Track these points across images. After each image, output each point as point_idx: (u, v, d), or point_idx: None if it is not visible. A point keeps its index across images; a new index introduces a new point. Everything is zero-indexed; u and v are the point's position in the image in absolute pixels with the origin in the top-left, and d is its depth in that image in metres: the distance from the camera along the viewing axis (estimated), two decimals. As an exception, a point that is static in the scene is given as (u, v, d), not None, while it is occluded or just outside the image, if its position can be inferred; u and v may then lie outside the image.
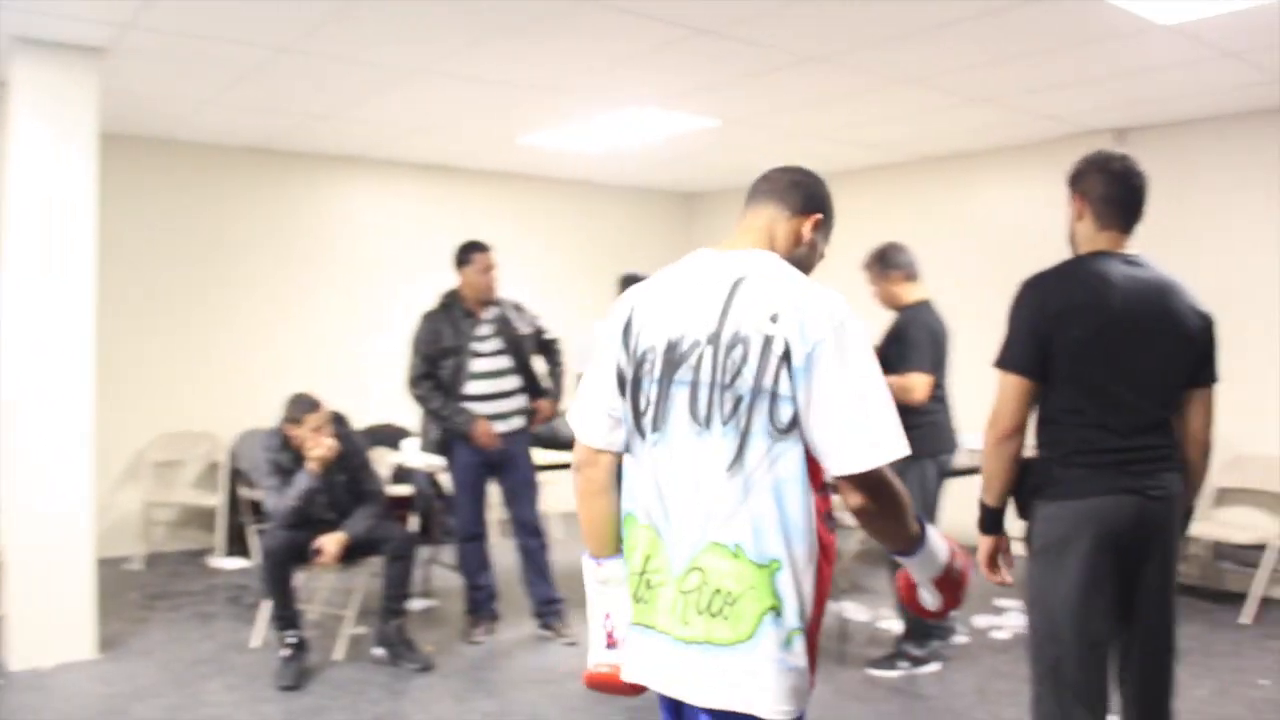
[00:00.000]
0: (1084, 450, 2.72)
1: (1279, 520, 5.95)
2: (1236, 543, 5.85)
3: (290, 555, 4.71)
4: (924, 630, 4.75)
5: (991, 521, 2.89)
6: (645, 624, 2.06)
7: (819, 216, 2.17)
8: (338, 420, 5.05)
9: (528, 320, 5.42)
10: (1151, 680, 2.88)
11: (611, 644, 2.17)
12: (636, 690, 2.13)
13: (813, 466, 1.94)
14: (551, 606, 5.40)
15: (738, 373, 1.93)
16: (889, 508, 1.96)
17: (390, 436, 7.36)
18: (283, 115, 6.45)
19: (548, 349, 5.49)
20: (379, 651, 4.92)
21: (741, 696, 1.93)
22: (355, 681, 4.67)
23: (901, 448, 1.90)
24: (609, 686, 2.18)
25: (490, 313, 5.28)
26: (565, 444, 5.91)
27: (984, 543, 2.91)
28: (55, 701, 4.38)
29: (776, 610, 1.93)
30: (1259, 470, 5.88)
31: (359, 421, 6.81)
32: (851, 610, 5.59)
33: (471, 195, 8.49)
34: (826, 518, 2.02)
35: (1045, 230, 6.98)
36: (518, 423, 5.32)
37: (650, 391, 2.05)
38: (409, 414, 5.80)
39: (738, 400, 1.93)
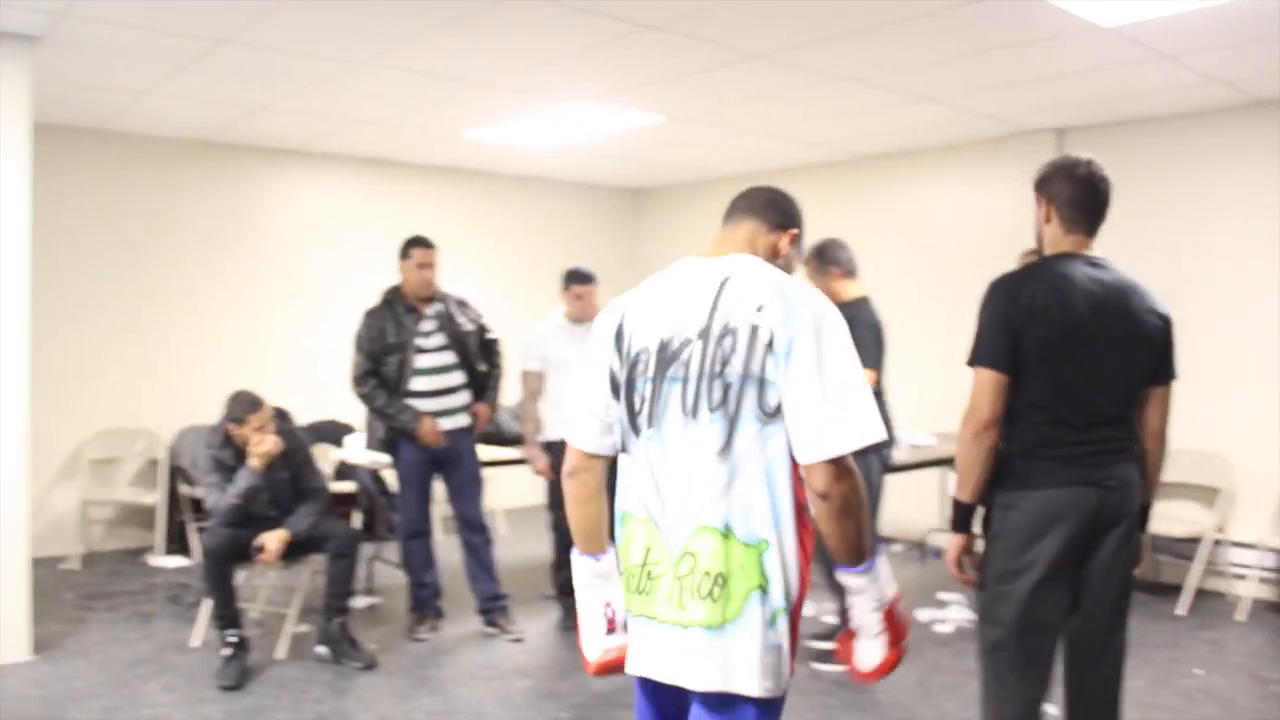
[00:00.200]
0: (1046, 444, 2.81)
1: (1213, 514, 6.08)
2: (1173, 536, 5.96)
3: (231, 553, 4.66)
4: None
5: (964, 519, 2.94)
6: (647, 615, 2.13)
7: (795, 231, 2.33)
8: (280, 416, 5.01)
9: (471, 317, 5.39)
10: (1100, 669, 2.97)
11: (612, 629, 2.30)
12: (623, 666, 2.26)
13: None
14: (496, 603, 5.38)
15: (727, 361, 2.03)
16: (852, 501, 2.01)
17: (334, 432, 7.30)
18: (224, 107, 6.35)
19: (488, 349, 5.46)
20: (322, 650, 4.87)
21: (731, 678, 2.02)
22: (298, 680, 4.62)
23: (876, 434, 1.99)
24: (616, 668, 2.30)
25: (434, 308, 5.25)
26: (510, 440, 5.90)
27: (955, 540, 2.95)
28: (-12, 704, 4.30)
29: (763, 589, 2.01)
30: (1194, 465, 5.99)
31: (302, 418, 6.77)
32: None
33: (417, 190, 8.42)
34: (804, 510, 2.08)
35: (985, 229, 7.13)
36: (463, 419, 5.30)
37: (644, 390, 2.14)
38: (353, 410, 5.75)
39: (726, 387, 2.03)
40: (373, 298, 5.31)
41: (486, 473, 5.54)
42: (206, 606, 4.89)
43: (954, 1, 4.36)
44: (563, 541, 5.44)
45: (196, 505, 6.72)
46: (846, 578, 2.11)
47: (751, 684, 2.01)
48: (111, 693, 4.43)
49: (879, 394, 4.84)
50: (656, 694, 2.23)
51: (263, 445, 4.69)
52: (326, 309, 7.75)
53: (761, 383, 2.01)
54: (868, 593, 2.12)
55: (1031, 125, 6.74)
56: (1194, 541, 6.02)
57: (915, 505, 7.16)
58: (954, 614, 5.59)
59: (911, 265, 7.58)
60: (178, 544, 6.98)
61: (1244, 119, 6.08)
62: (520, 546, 7.25)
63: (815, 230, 5.30)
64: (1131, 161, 6.47)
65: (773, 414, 2.01)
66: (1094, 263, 2.88)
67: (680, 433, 2.09)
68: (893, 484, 5.08)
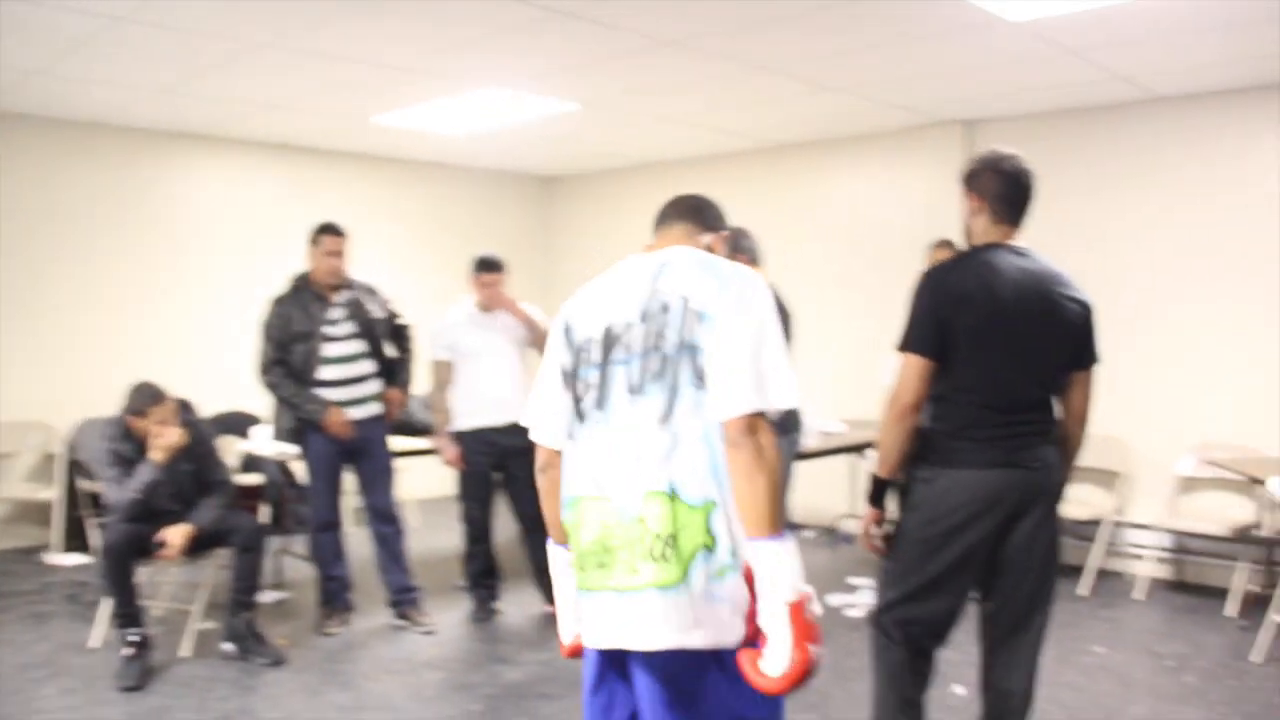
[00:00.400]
0: (971, 425, 2.95)
1: (1113, 496, 6.25)
2: (1075, 518, 6.11)
3: (131, 549, 4.53)
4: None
5: (879, 494, 3.11)
6: (606, 587, 2.17)
7: (725, 233, 2.53)
8: (183, 408, 4.88)
9: (381, 304, 5.31)
10: (1019, 648, 3.10)
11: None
12: None
13: None
14: (407, 595, 5.33)
15: (662, 334, 2.16)
16: (763, 456, 2.05)
17: (239, 424, 7.15)
18: (122, 88, 6.15)
19: (399, 335, 5.39)
20: (228, 646, 4.77)
21: (683, 634, 2.08)
22: (203, 679, 4.52)
23: (788, 400, 2.09)
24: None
25: (342, 296, 5.16)
26: (420, 430, 5.84)
27: (869, 512, 3.11)
28: (-126, 711, 4.13)
29: (709, 547, 2.08)
30: (1094, 449, 6.11)
31: (206, 409, 6.59)
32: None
33: (325, 176, 8.27)
34: None
35: (897, 218, 7.23)
36: (373, 408, 5.22)
37: (589, 376, 2.26)
38: (259, 401, 5.64)
39: (664, 359, 2.15)
40: (280, 286, 5.20)
41: (397, 463, 5.47)
42: (106, 605, 4.75)
43: (863, -8, 4.40)
44: (474, 533, 5.40)
45: (96, 500, 6.53)
46: (757, 550, 2.04)
47: (700, 638, 2.08)
48: (3, 698, 4.28)
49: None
50: (617, 667, 2.27)
51: (165, 438, 4.57)
52: (232, 297, 7.57)
53: (694, 350, 2.12)
54: (777, 574, 2.02)
55: (941, 117, 6.84)
56: (1095, 524, 6.19)
57: (826, 492, 7.25)
58: (864, 599, 5.66)
59: (823, 253, 7.65)
60: (76, 541, 6.77)
61: (1145, 114, 6.24)
62: (431, 537, 7.18)
63: (730, 219, 5.34)
64: (1038, 154, 6.51)
65: (705, 380, 2.11)
66: (1019, 253, 3.02)
67: (627, 409, 2.18)
68: (803, 471, 5.13)
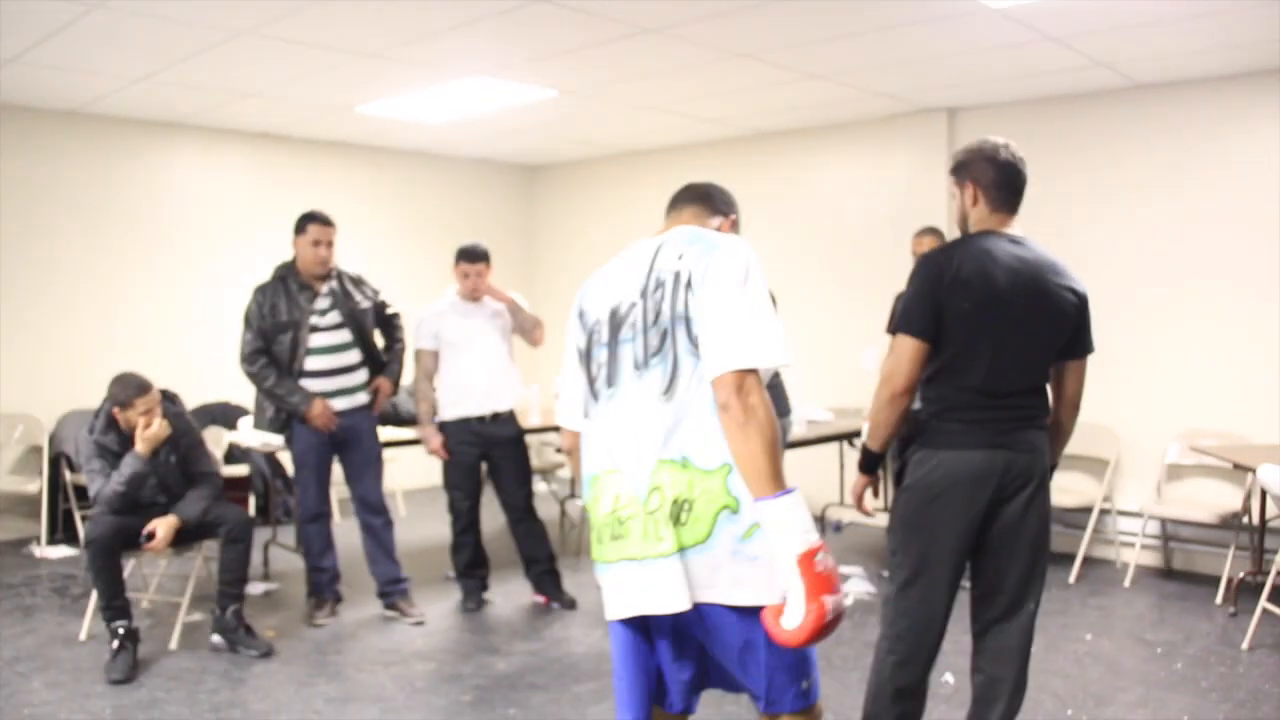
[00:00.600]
0: (961, 408, 3.00)
1: (1102, 484, 6.26)
2: (1064, 506, 6.12)
3: (118, 541, 4.50)
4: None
5: (870, 464, 3.19)
6: (625, 557, 2.24)
7: (735, 218, 2.59)
8: (168, 399, 4.85)
9: (368, 294, 5.28)
10: (1009, 631, 3.12)
11: None
12: None
13: None
14: (396, 586, 5.31)
15: (659, 309, 2.23)
16: (755, 417, 2.07)
17: (226, 415, 7.13)
18: (99, 77, 6.08)
19: (388, 324, 5.36)
20: (216, 639, 4.74)
21: (707, 591, 2.14)
22: (191, 671, 4.49)
23: (775, 358, 2.13)
24: None
25: (328, 286, 5.12)
26: (407, 420, 5.82)
27: (860, 479, 3.22)
28: None
29: (732, 509, 2.13)
30: (1083, 437, 6.14)
31: (193, 400, 6.57)
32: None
33: (307, 165, 8.22)
34: None
35: (880, 207, 7.22)
36: (361, 399, 5.19)
37: (600, 355, 2.33)
38: (246, 392, 5.61)
39: (663, 333, 2.22)
40: (264, 276, 5.16)
41: (385, 454, 5.45)
42: (93, 598, 4.72)
43: (851, -21, 4.38)
44: (461, 523, 5.39)
45: (82, 493, 6.49)
46: (761, 510, 2.06)
47: (728, 594, 2.14)
48: (-8, 690, 4.26)
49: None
50: (641, 634, 2.32)
51: (149, 430, 4.54)
52: (216, 287, 7.54)
53: (687, 320, 2.18)
54: (784, 529, 2.03)
55: (924, 104, 6.83)
56: (1084, 511, 6.20)
57: (814, 481, 7.24)
58: (854, 586, 5.67)
59: (807, 242, 7.64)
60: (63, 534, 6.75)
61: (1128, 101, 6.24)
62: (419, 528, 7.17)
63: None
64: (1022, 142, 6.49)
65: (700, 347, 2.17)
66: (1015, 240, 3.06)
67: (634, 384, 2.25)
68: (790, 460, 5.11)
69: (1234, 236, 5.90)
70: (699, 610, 2.18)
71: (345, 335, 5.13)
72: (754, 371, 2.11)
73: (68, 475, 6.75)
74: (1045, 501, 3.08)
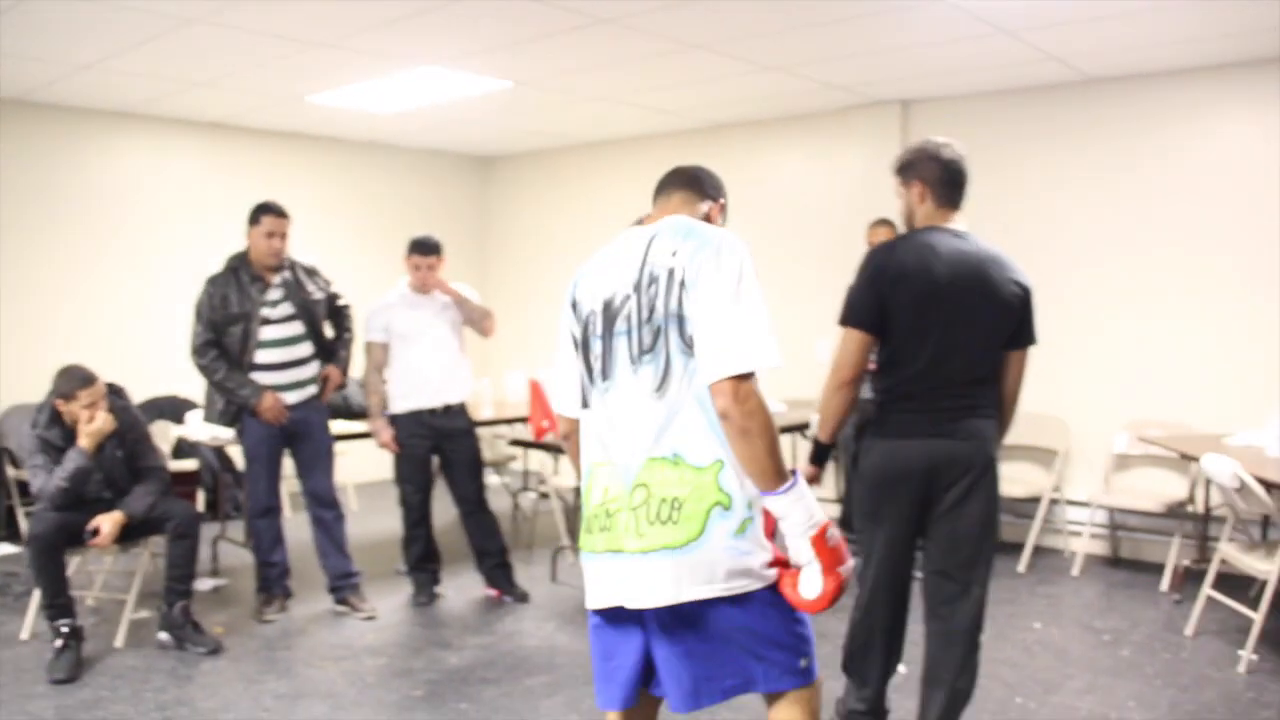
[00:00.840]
0: (905, 398, 3.11)
1: (1051, 474, 6.33)
2: (1014, 496, 6.19)
3: (61, 538, 4.42)
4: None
5: (820, 455, 3.35)
6: (612, 549, 2.26)
7: (723, 201, 2.57)
8: (114, 392, 4.77)
9: (320, 285, 5.22)
10: (955, 617, 3.22)
11: None
12: None
13: None
14: (347, 580, 5.26)
15: (653, 306, 2.22)
16: (754, 421, 2.12)
17: (174, 409, 7.03)
18: (43, 63, 5.96)
19: (338, 316, 5.30)
20: (163, 636, 4.67)
21: (702, 587, 2.16)
22: (138, 670, 4.42)
23: (767, 359, 2.14)
24: None
25: (280, 277, 5.06)
26: (358, 413, 5.77)
27: (808, 469, 3.32)
28: None
29: (724, 505, 2.17)
30: (1032, 427, 6.23)
31: (140, 394, 6.47)
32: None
33: (259, 156, 8.11)
34: None
35: (833, 199, 7.24)
36: (312, 391, 5.14)
37: (596, 347, 2.33)
38: (194, 385, 5.53)
39: (656, 330, 2.22)
40: (214, 267, 5.08)
41: (336, 447, 5.40)
42: (36, 596, 4.64)
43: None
44: (412, 516, 5.36)
45: (25, 489, 6.38)
46: (769, 503, 2.18)
47: (723, 586, 2.17)
48: (-69, 690, 4.17)
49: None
50: (620, 625, 2.33)
51: (93, 424, 4.46)
52: (164, 280, 7.43)
53: (680, 319, 2.19)
54: (792, 518, 2.18)
55: (878, 97, 6.85)
56: (1033, 501, 6.27)
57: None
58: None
59: (761, 234, 7.61)
60: (5, 530, 6.62)
61: (1079, 96, 6.30)
62: (371, 522, 7.11)
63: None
64: (975, 135, 6.62)
65: (692, 346, 2.17)
66: (958, 235, 3.18)
67: (629, 379, 2.26)
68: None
69: (1182, 229, 5.97)
70: (694, 606, 2.20)
71: (297, 328, 5.07)
72: (750, 375, 2.13)
73: (10, 471, 6.61)
74: (989, 488, 3.16)
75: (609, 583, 2.29)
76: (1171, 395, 6.01)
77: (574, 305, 2.41)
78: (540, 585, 5.65)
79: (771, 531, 2.26)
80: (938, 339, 3.07)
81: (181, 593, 4.66)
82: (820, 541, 2.19)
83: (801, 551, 2.20)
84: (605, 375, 2.31)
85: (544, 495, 7.41)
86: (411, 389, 5.22)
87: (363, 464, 7.72)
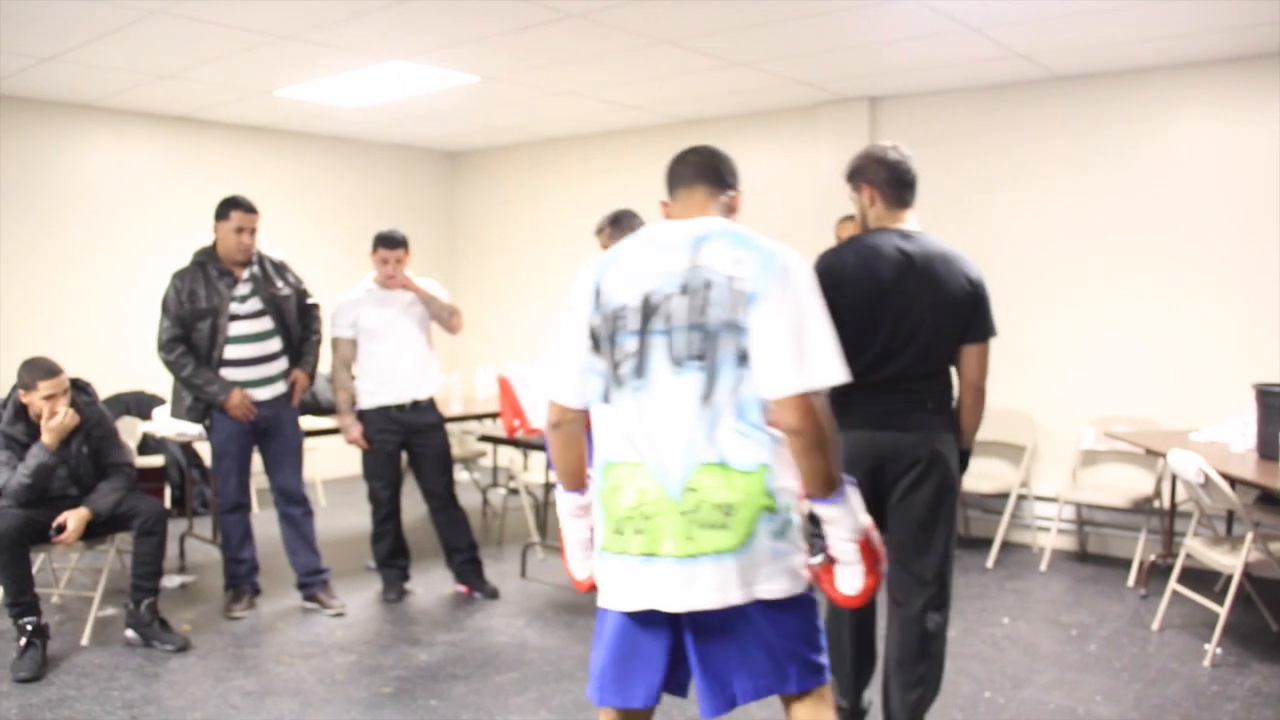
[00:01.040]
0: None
1: (1019, 470, 6.37)
2: (982, 492, 6.23)
3: (25, 535, 4.37)
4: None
5: None
6: (647, 553, 2.26)
7: (741, 190, 2.61)
8: (79, 388, 4.72)
9: (290, 281, 5.18)
10: (908, 609, 3.31)
11: (589, 557, 2.57)
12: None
13: None
14: (317, 577, 5.24)
15: (705, 311, 2.23)
16: (819, 436, 2.20)
17: (141, 404, 6.97)
18: (6, 55, 5.87)
19: (306, 314, 5.26)
20: (130, 634, 4.63)
21: (750, 589, 2.22)
22: (104, 668, 4.38)
23: (836, 375, 2.22)
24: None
25: (249, 272, 5.01)
26: (326, 409, 5.74)
27: None
28: None
29: (770, 508, 2.22)
30: (1001, 423, 6.28)
31: (107, 389, 6.41)
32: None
33: (223, 150, 8.03)
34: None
35: (801, 195, 7.25)
36: (282, 387, 5.11)
37: (628, 344, 2.30)
38: (161, 381, 5.48)
39: (706, 335, 2.23)
40: (180, 262, 5.03)
41: (305, 443, 5.36)
42: (0, 594, 4.59)
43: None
44: (381, 512, 5.34)
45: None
46: (820, 509, 2.28)
47: (768, 590, 2.23)
48: (-108, 689, 4.12)
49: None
50: (650, 627, 2.35)
51: (55, 420, 4.41)
52: (131, 274, 7.36)
53: (738, 330, 2.21)
54: (842, 523, 2.29)
55: (846, 93, 6.87)
56: (1001, 497, 6.31)
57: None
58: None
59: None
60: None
61: (1045, 93, 6.33)
62: (339, 518, 7.08)
63: (633, 196, 5.31)
64: (942, 132, 6.69)
65: (746, 358, 2.21)
66: (906, 235, 3.25)
67: (670, 380, 2.25)
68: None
69: (1148, 227, 6.02)
70: (737, 609, 2.24)
71: (266, 323, 5.03)
72: (820, 391, 2.20)
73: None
74: (939, 478, 3.22)
75: (644, 585, 2.28)
76: (1138, 391, 6.07)
77: (596, 294, 2.36)
78: (510, 581, 5.64)
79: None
80: (885, 338, 3.16)
81: (148, 590, 4.62)
82: (866, 544, 2.32)
83: (848, 553, 2.31)
84: (639, 374, 2.29)
85: (514, 491, 7.40)
86: (379, 385, 5.20)
87: (332, 460, 7.68)
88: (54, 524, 4.41)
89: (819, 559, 2.36)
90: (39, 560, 4.80)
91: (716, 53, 5.83)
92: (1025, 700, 4.07)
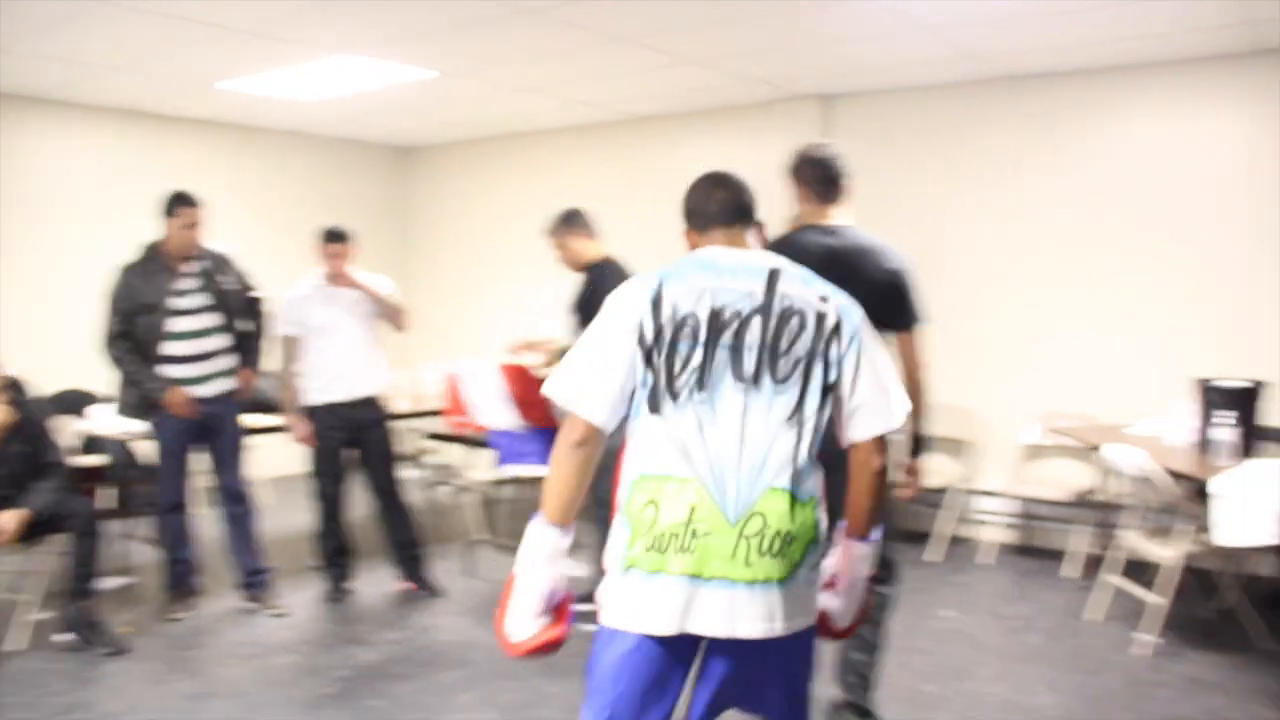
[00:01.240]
0: None
1: (962, 465, 6.43)
2: (927, 487, 6.27)
3: (-42, 537, 4.29)
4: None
5: None
6: (692, 573, 2.16)
7: (763, 222, 2.64)
8: (13, 386, 4.63)
9: (236, 276, 5.11)
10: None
11: (544, 611, 2.31)
12: (558, 645, 2.34)
13: None
14: (258, 577, 5.18)
15: (795, 338, 2.24)
16: (884, 482, 2.34)
17: (77, 402, 6.83)
18: (-57, 47, 5.78)
19: (251, 309, 5.19)
20: (65, 637, 4.55)
21: (801, 619, 2.24)
22: (37, 672, 4.31)
23: (905, 412, 2.35)
24: (542, 650, 2.34)
25: (194, 266, 4.94)
26: (272, 407, 5.68)
27: None
28: None
29: (816, 542, 2.26)
30: (944, 418, 6.31)
31: (41, 387, 6.28)
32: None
33: (170, 143, 7.92)
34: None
35: (753, 192, 7.24)
36: (225, 384, 5.04)
37: (690, 354, 2.20)
38: (99, 378, 5.39)
39: (796, 362, 2.23)
40: (123, 257, 4.95)
41: (249, 440, 5.30)
42: (-69, 595, 4.50)
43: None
44: (326, 510, 5.29)
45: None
46: (858, 548, 2.37)
47: (803, 621, 2.26)
48: None
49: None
50: (676, 650, 2.22)
51: (-12, 419, 4.33)
52: (68, 270, 7.23)
53: (826, 362, 2.25)
54: (868, 561, 2.40)
55: (799, 91, 6.89)
56: (944, 491, 6.36)
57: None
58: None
59: (680, 227, 7.64)
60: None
61: (996, 92, 6.39)
62: (283, 516, 6.99)
63: (587, 192, 5.31)
64: (894, 129, 6.73)
65: (829, 389, 2.25)
66: (830, 231, 3.35)
67: (737, 398, 2.20)
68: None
69: (1091, 223, 6.10)
70: (774, 640, 2.22)
71: (211, 319, 4.97)
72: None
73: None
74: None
75: (685, 607, 2.16)
76: (1079, 386, 6.14)
77: (655, 304, 2.22)
78: (454, 578, 5.61)
79: None
80: None
81: (84, 592, 4.55)
82: (870, 585, 2.44)
83: (856, 590, 2.40)
84: (701, 386, 2.19)
85: (461, 489, 7.35)
86: (326, 382, 5.15)
87: (279, 458, 7.58)
88: (-11, 525, 4.33)
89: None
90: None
91: (670, 50, 5.83)
92: (968, 692, 4.11)
